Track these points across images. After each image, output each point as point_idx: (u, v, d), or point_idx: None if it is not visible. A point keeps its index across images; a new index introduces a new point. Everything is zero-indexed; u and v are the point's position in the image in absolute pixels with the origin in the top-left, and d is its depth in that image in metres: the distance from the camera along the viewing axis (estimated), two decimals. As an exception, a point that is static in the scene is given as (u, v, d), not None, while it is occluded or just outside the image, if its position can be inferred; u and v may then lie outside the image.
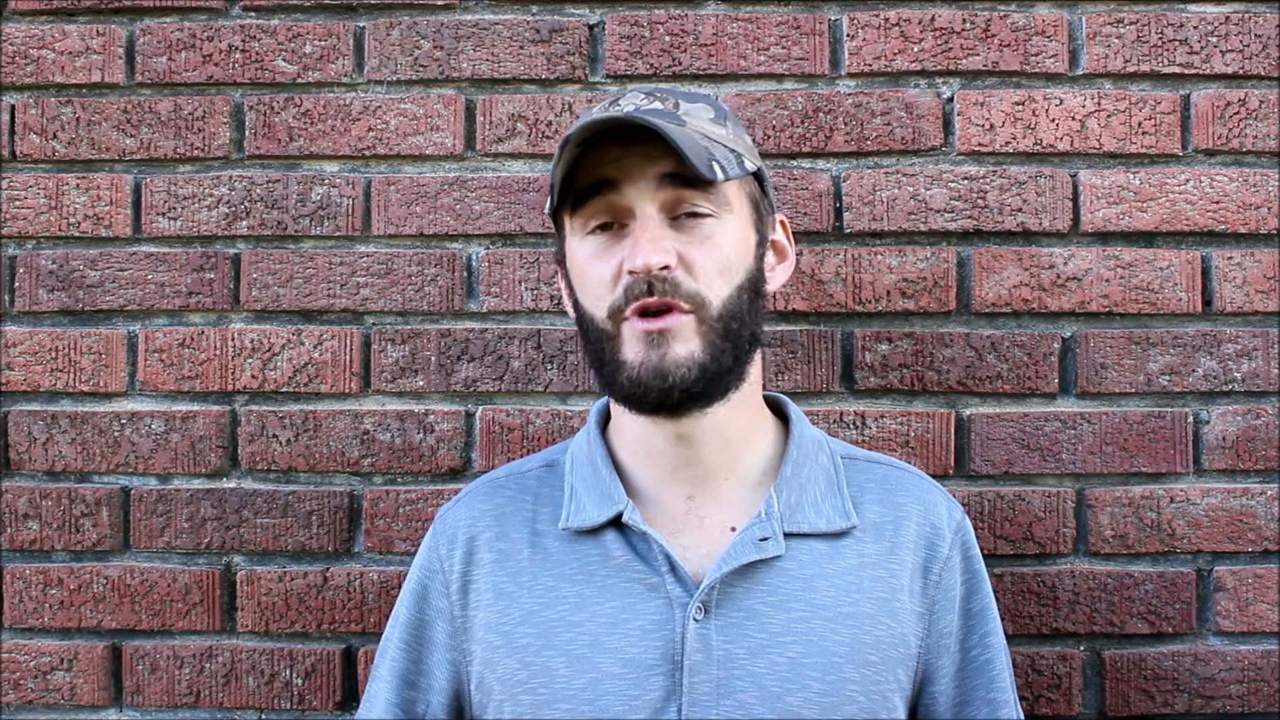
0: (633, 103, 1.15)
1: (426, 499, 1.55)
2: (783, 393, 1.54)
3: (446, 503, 1.28)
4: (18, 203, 1.59)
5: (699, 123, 1.14)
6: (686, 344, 1.09)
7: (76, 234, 1.59)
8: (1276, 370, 1.54)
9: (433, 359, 1.57)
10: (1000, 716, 1.20)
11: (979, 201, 1.56)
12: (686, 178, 1.09)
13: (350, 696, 1.55)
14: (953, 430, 1.55)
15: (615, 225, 1.12)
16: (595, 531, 1.16)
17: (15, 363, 1.58)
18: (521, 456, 1.54)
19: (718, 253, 1.11)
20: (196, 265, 1.59)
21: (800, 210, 1.56)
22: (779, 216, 1.23)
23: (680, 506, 1.17)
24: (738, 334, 1.12)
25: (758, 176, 1.19)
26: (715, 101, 1.20)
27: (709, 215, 1.11)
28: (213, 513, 1.57)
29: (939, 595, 1.18)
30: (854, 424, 1.54)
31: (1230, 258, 1.55)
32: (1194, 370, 1.54)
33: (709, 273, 1.10)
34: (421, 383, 1.57)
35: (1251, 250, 1.55)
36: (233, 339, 1.58)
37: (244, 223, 1.58)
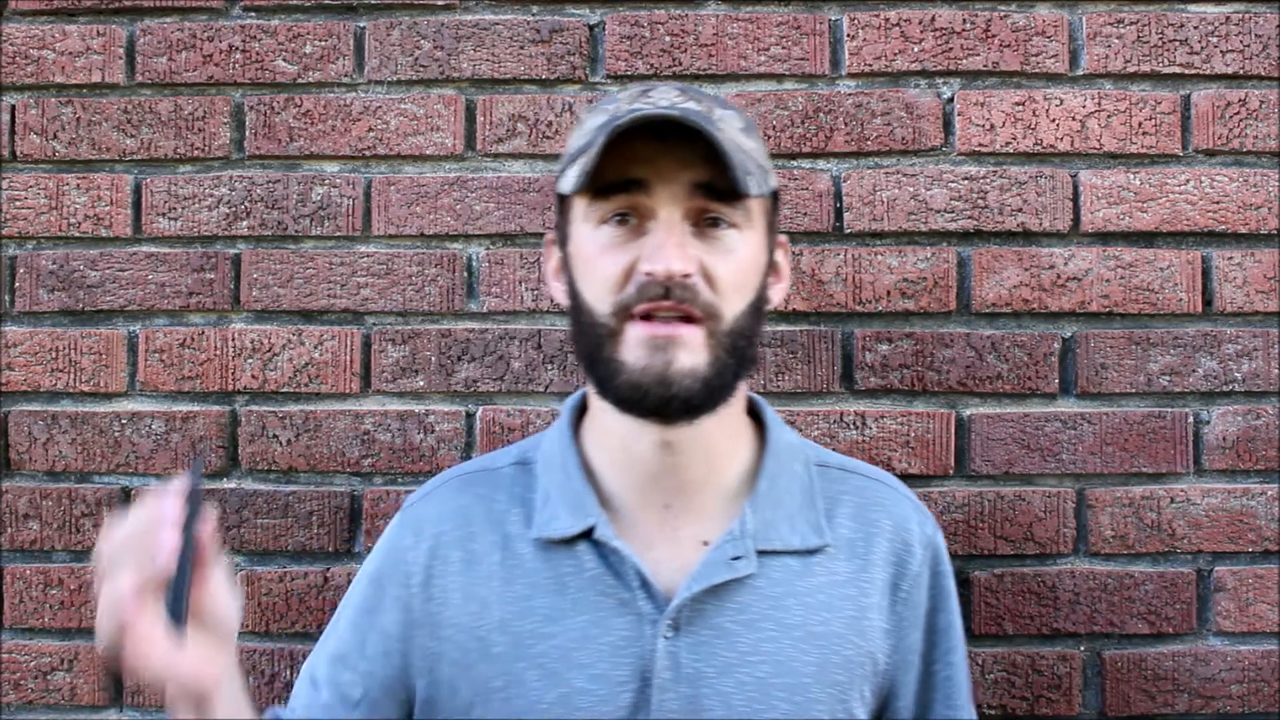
0: (667, 97, 1.10)
1: (427, 499, 1.55)
2: (783, 393, 1.54)
3: (414, 493, 1.25)
4: (18, 203, 1.59)
5: (732, 131, 1.10)
6: (693, 355, 1.06)
7: (77, 234, 1.59)
8: (1277, 370, 1.54)
9: (433, 359, 1.57)
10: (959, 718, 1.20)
11: (979, 202, 1.56)
12: (717, 189, 1.06)
13: (350, 696, 1.55)
14: (953, 430, 1.55)
15: (633, 219, 1.08)
16: (568, 541, 1.13)
17: (15, 363, 1.58)
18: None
19: (738, 266, 1.08)
20: (197, 265, 1.59)
21: (800, 210, 1.56)
22: (781, 237, 1.20)
23: (655, 516, 1.15)
24: (743, 352, 1.09)
25: (774, 196, 1.16)
26: (740, 112, 1.15)
27: (732, 227, 1.08)
28: (213, 513, 1.56)
29: (906, 612, 1.17)
30: (854, 424, 1.54)
31: (1230, 258, 1.55)
32: (1194, 370, 1.54)
33: (726, 286, 1.07)
34: (422, 383, 1.57)
35: (1252, 250, 1.55)
36: (233, 339, 1.58)
37: (244, 223, 1.59)
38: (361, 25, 1.59)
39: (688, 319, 1.06)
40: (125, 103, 1.60)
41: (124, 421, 1.58)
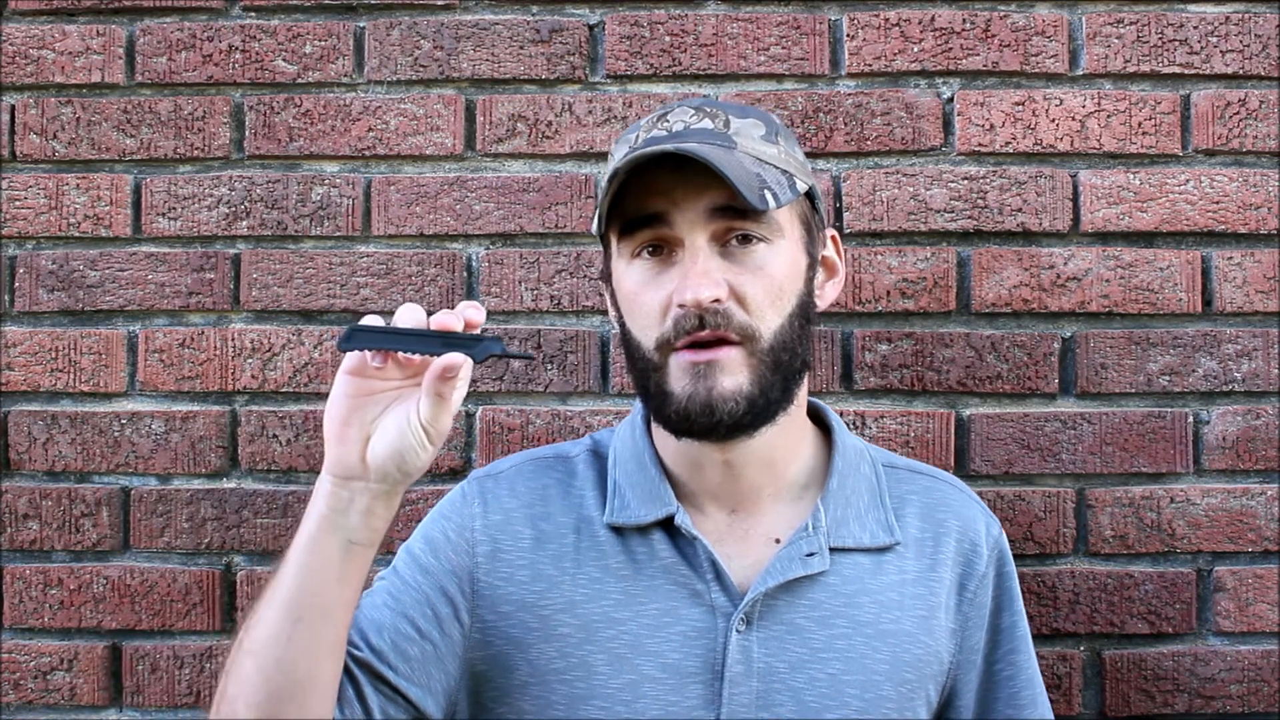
0: (681, 120, 1.12)
1: (426, 499, 1.55)
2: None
3: (485, 467, 1.24)
4: (18, 203, 1.59)
5: (750, 142, 1.11)
6: (734, 377, 1.07)
7: (76, 234, 1.59)
8: (1276, 370, 1.54)
9: (433, 359, 1.57)
10: (1023, 718, 1.20)
11: (979, 201, 1.56)
12: (737, 209, 1.07)
13: (350, 696, 1.55)
14: (953, 430, 1.54)
15: (664, 250, 1.10)
16: (643, 530, 1.15)
17: (15, 363, 1.58)
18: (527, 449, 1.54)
19: (769, 282, 1.09)
20: (196, 265, 1.59)
21: (800, 210, 1.56)
22: (829, 232, 1.20)
23: (723, 518, 1.16)
24: (788, 365, 1.10)
25: (809, 195, 1.16)
26: (766, 115, 1.16)
27: (760, 241, 1.09)
28: (213, 513, 1.57)
29: (972, 612, 1.19)
30: (854, 424, 1.54)
31: (1230, 258, 1.55)
32: (1194, 370, 1.54)
33: (760, 304, 1.08)
34: (421, 383, 1.56)
35: (1251, 250, 1.55)
36: (233, 339, 1.58)
37: (244, 223, 1.59)
38: (361, 25, 1.59)
39: (727, 341, 1.07)
40: (125, 103, 1.60)
41: (124, 421, 1.58)
